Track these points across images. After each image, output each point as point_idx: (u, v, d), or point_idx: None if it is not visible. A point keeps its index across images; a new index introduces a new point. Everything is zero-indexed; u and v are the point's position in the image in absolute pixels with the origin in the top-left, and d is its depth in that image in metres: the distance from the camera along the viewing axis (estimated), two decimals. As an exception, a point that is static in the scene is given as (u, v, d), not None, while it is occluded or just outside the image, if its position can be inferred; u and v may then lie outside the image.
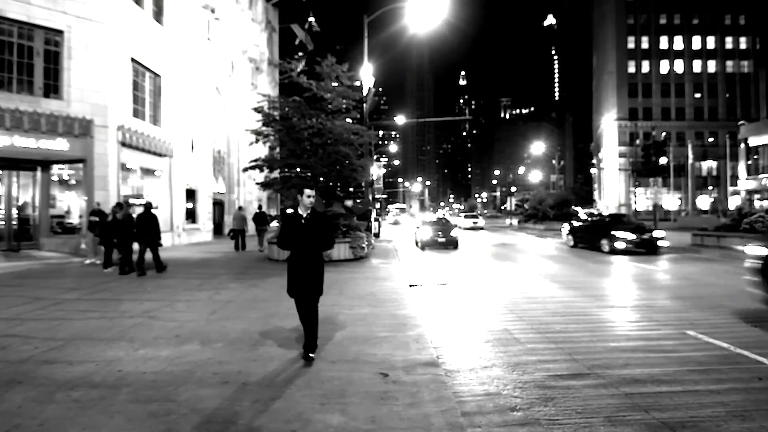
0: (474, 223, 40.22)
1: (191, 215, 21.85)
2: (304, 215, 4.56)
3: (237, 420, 3.27)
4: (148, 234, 10.76)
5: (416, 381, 3.99)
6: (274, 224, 21.87)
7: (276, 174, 16.27)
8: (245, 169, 16.51)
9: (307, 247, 4.55)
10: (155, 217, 11.04)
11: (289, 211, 4.78)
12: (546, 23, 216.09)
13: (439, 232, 19.24)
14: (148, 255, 10.98)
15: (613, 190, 66.33)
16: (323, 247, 4.72)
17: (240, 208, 20.45)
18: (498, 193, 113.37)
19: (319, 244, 4.64)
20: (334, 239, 4.72)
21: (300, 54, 29.77)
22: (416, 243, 20.74)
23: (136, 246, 11.03)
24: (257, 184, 16.43)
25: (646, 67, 66.68)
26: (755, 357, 4.99)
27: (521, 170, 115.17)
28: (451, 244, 19.20)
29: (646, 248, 16.58)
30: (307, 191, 4.58)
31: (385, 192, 71.97)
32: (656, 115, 65.39)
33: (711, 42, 66.07)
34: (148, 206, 11.09)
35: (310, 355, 4.56)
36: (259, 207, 21.03)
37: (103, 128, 15.15)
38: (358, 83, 17.90)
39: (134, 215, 11.37)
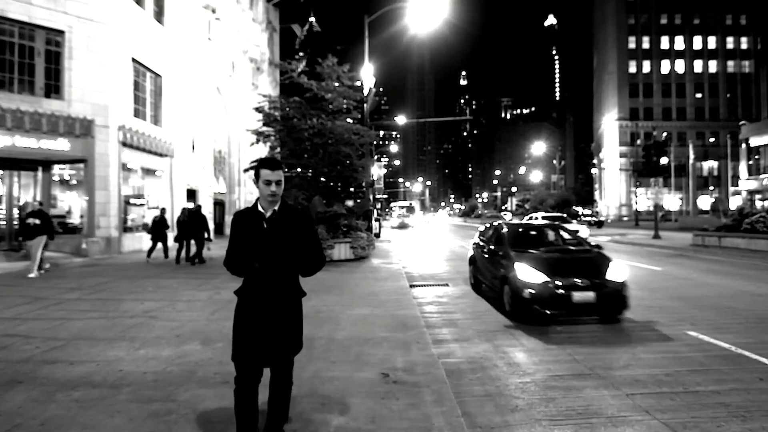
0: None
1: (192, 215, 21.88)
2: (268, 214, 2.67)
3: (238, 420, 3.26)
4: (199, 231, 12.87)
5: (417, 381, 3.99)
6: None
7: (276, 174, 16.28)
8: (246, 170, 16.55)
9: (273, 270, 2.63)
10: (204, 217, 13.01)
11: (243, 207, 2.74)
12: (547, 23, 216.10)
13: (574, 272, 6.60)
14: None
15: (614, 190, 66.33)
16: (303, 269, 2.76)
17: None
18: (499, 193, 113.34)
19: (296, 263, 2.70)
20: (324, 254, 2.91)
21: (301, 54, 29.82)
22: (485, 288, 8.88)
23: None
24: (258, 184, 16.47)
25: (647, 67, 66.68)
26: (756, 357, 4.98)
27: (522, 170, 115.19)
28: (615, 308, 6.61)
29: None
30: (266, 172, 2.63)
31: (386, 192, 70.65)
32: (657, 115, 65.39)
33: (712, 42, 66.05)
34: (198, 208, 13.37)
35: None
36: None
37: (104, 128, 15.16)
38: (358, 83, 17.91)
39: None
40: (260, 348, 2.60)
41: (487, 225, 10.28)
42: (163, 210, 14.41)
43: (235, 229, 2.74)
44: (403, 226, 45.41)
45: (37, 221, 10.36)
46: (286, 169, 15.83)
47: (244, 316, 2.66)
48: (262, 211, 2.68)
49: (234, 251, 2.70)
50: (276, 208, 2.69)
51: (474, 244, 9.88)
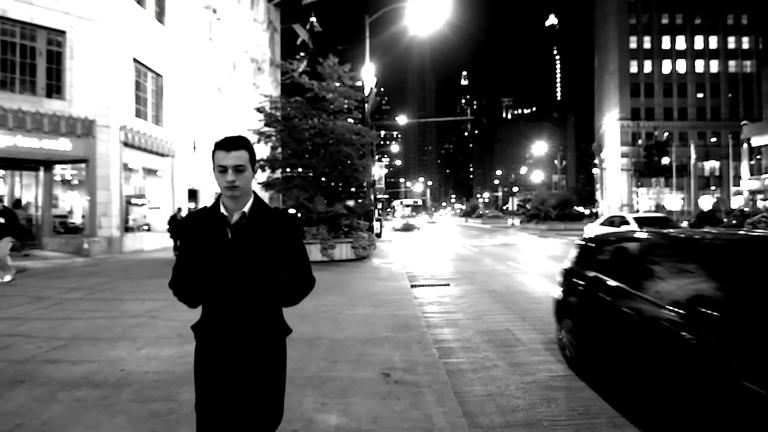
0: None
1: (193, 215, 21.98)
2: (234, 218, 1.82)
3: (239, 420, 3.26)
4: None
5: (418, 381, 3.98)
6: None
7: (278, 174, 16.32)
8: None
9: (242, 300, 1.79)
10: None
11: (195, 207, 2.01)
12: (548, 23, 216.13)
13: None
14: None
15: (615, 190, 66.22)
16: (285, 296, 1.91)
17: None
18: (500, 193, 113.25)
19: (275, 288, 1.87)
20: (312, 275, 1.93)
21: (302, 54, 29.84)
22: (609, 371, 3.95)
23: None
24: (259, 184, 16.50)
25: (648, 67, 66.54)
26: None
27: (523, 170, 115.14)
28: None
29: None
30: (220, 155, 1.80)
31: (387, 192, 70.27)
32: (658, 115, 65.27)
33: (713, 42, 65.91)
34: None
35: None
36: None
37: (106, 128, 15.19)
38: (359, 83, 17.92)
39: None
40: (230, 404, 1.81)
41: (611, 235, 4.73)
42: (179, 209, 15.95)
43: (186, 238, 1.86)
44: (407, 228, 37.92)
45: (2, 220, 9.54)
46: (288, 169, 15.77)
47: (206, 365, 1.83)
48: (226, 213, 1.82)
49: (184, 271, 1.83)
50: (246, 209, 1.82)
51: (567, 272, 4.97)
